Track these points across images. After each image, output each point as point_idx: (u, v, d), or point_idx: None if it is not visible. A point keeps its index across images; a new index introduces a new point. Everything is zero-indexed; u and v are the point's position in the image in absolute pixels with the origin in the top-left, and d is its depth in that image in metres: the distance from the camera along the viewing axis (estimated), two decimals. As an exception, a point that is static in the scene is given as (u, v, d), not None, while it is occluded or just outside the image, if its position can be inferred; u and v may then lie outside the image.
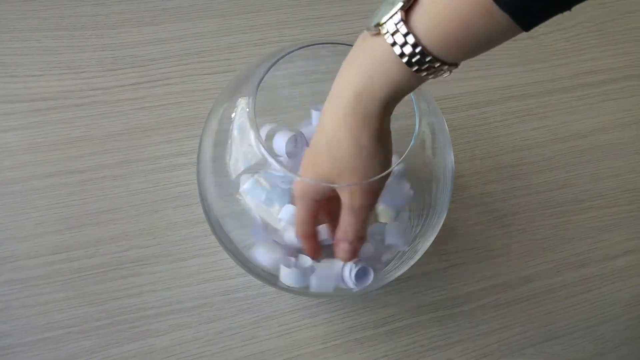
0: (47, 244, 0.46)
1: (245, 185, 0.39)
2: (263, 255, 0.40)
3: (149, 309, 0.44)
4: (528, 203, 0.53)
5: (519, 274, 0.50)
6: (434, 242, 0.42)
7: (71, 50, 0.54)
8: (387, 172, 0.33)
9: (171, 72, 0.54)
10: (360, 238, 0.35)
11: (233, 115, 0.38)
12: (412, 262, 0.41)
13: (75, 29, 0.55)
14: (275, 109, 0.47)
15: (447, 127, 0.41)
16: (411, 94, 0.34)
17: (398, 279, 0.42)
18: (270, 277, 0.41)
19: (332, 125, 0.31)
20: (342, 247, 0.35)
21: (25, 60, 0.52)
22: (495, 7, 0.25)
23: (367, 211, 0.34)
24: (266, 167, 0.37)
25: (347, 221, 0.34)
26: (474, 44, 0.27)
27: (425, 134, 0.39)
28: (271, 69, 0.37)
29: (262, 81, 0.36)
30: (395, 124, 0.34)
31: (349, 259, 0.36)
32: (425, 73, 0.28)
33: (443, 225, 0.41)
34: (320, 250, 0.37)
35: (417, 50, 0.27)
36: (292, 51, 0.38)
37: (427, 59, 0.27)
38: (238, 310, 0.45)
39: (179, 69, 0.54)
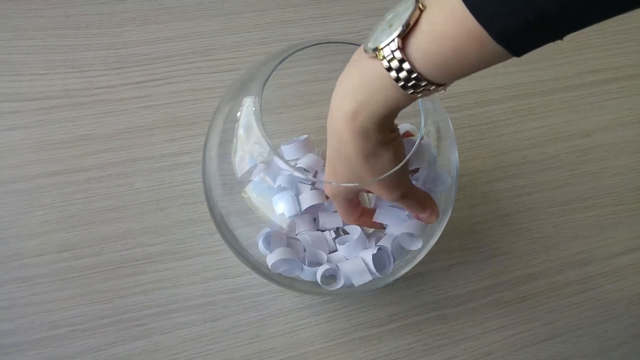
0: (53, 242, 0.46)
1: (251, 183, 0.39)
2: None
3: (154, 306, 0.45)
4: (531, 201, 0.53)
5: (522, 272, 0.50)
6: (438, 240, 0.42)
7: (76, 48, 0.54)
8: (391, 171, 0.34)
9: (176, 70, 0.54)
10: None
11: (239, 114, 0.38)
12: (416, 261, 0.42)
13: (79, 27, 0.55)
14: (280, 108, 0.47)
15: (452, 125, 0.42)
16: None
17: (402, 277, 0.42)
18: (274, 275, 0.41)
19: (337, 139, 0.33)
20: None
21: (30, 59, 0.53)
22: (490, 39, 0.26)
23: (398, 196, 0.37)
24: (272, 165, 0.38)
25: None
26: (468, 69, 0.28)
27: (430, 133, 0.40)
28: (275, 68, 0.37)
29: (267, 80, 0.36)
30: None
31: None
32: (420, 94, 0.30)
33: (447, 223, 0.42)
34: (371, 222, 0.41)
35: (413, 76, 0.28)
36: (298, 50, 0.38)
37: (423, 84, 0.29)
38: (243, 308, 0.46)
39: (183, 68, 0.54)
